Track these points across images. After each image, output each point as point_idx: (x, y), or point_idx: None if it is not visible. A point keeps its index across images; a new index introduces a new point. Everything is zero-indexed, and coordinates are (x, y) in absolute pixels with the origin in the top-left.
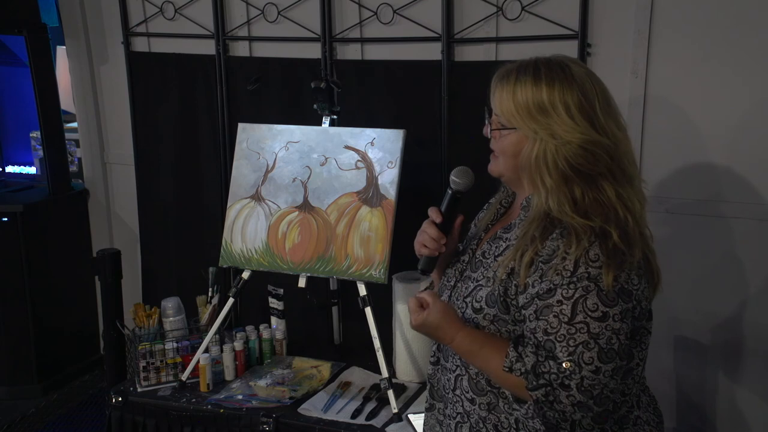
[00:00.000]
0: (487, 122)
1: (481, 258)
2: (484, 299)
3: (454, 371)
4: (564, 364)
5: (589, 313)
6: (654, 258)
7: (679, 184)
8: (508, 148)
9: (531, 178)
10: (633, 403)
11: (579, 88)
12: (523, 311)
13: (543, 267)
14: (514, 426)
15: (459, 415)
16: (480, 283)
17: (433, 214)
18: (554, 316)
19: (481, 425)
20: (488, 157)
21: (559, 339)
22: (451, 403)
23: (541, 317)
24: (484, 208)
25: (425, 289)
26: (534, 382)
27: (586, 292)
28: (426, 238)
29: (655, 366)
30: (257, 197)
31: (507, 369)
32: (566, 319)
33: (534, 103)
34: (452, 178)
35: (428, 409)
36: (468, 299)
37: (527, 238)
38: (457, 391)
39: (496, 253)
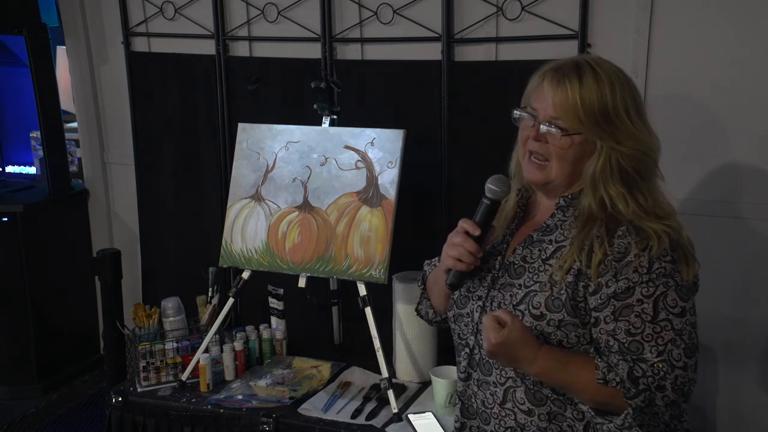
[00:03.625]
0: (533, 123)
1: (521, 263)
2: (543, 304)
3: (502, 384)
4: (657, 365)
5: (670, 309)
6: None
7: (680, 185)
8: (570, 153)
9: (593, 186)
10: None
11: (630, 89)
12: (596, 313)
13: (616, 265)
14: None
15: (509, 430)
16: (532, 288)
17: (470, 226)
18: (636, 316)
19: None
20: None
21: (646, 339)
22: (495, 419)
23: (621, 318)
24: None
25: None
26: (632, 390)
27: (666, 289)
28: (463, 252)
29: None
30: (257, 197)
31: (601, 381)
32: (649, 318)
33: (600, 108)
34: (489, 186)
35: (459, 429)
36: (521, 307)
37: (589, 238)
38: (508, 405)
39: (544, 257)
